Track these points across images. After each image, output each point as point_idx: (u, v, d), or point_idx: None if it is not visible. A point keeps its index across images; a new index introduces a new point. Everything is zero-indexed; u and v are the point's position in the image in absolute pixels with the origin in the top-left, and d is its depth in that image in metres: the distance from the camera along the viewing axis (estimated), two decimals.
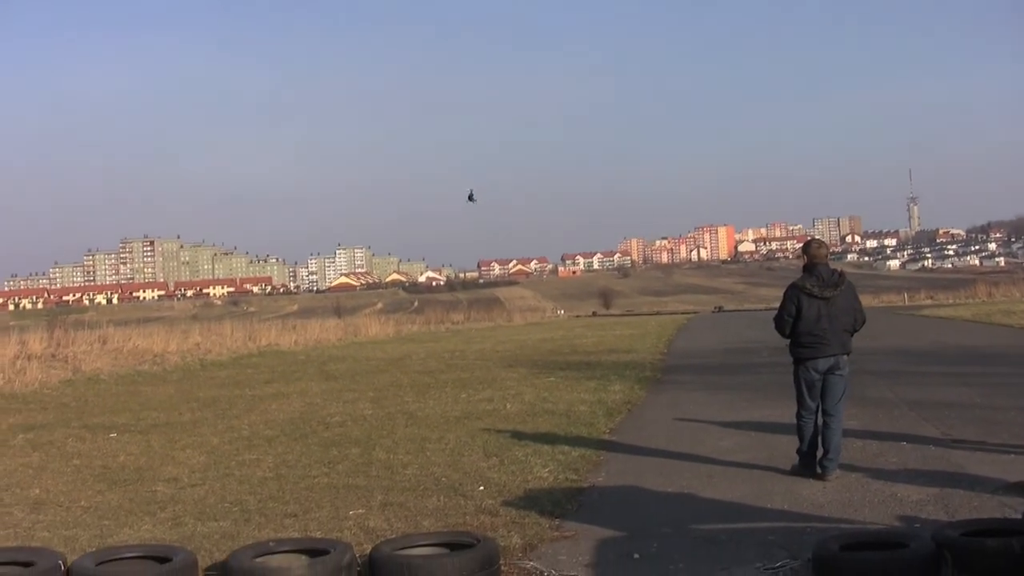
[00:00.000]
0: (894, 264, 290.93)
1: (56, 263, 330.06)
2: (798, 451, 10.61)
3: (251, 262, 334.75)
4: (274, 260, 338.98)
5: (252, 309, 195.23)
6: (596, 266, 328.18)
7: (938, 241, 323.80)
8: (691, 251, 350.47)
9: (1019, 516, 7.74)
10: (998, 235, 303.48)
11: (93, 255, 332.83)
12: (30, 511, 10.18)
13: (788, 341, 10.65)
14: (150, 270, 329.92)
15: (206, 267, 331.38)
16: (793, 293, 10.41)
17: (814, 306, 10.24)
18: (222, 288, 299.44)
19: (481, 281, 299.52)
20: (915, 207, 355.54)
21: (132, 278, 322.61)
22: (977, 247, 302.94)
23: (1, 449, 14.57)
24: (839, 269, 10.75)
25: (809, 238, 11.31)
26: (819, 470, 10.26)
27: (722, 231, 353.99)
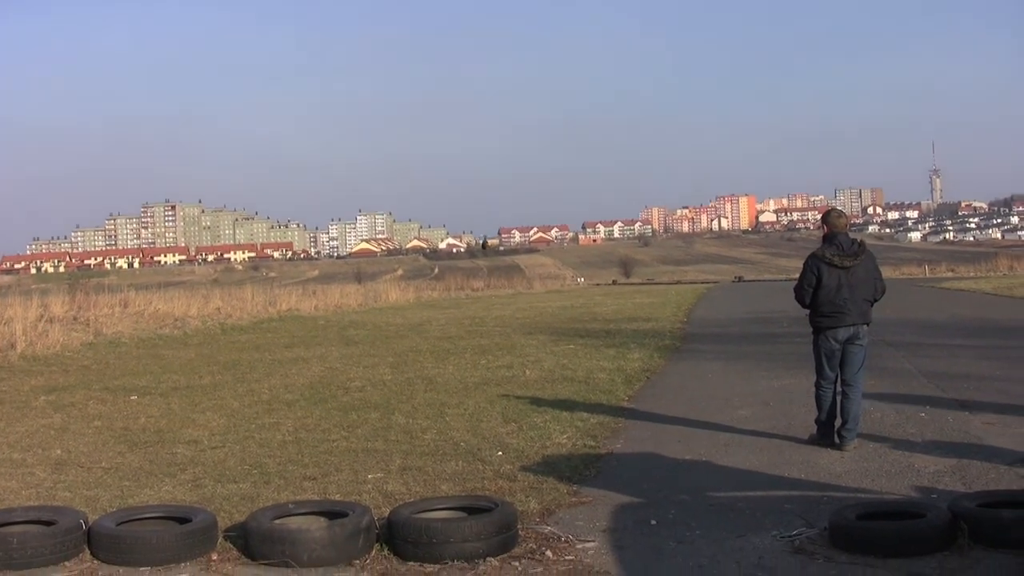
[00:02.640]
0: (915, 236, 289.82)
1: (78, 227, 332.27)
2: (816, 421, 10.61)
3: (272, 227, 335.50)
4: (295, 225, 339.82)
5: (273, 274, 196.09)
6: (617, 234, 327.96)
7: (960, 214, 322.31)
8: (712, 220, 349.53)
9: None
10: (1021, 209, 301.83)
11: (115, 219, 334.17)
12: (52, 471, 10.26)
13: (808, 311, 10.63)
14: (171, 235, 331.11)
15: (227, 232, 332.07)
16: (813, 263, 10.37)
17: (834, 276, 10.20)
18: (243, 253, 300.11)
19: (501, 248, 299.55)
20: (938, 179, 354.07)
21: (153, 242, 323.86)
22: (999, 220, 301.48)
23: (23, 410, 14.67)
24: (859, 239, 10.70)
25: (829, 208, 11.25)
26: (837, 440, 10.25)
27: (743, 201, 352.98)
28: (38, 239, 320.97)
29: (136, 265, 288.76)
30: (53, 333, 24.29)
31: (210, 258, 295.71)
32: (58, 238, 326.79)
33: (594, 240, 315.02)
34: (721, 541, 7.11)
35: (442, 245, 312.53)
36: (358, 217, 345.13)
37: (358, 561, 6.88)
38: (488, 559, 6.77)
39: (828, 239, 10.43)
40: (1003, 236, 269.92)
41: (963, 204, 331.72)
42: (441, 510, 7.38)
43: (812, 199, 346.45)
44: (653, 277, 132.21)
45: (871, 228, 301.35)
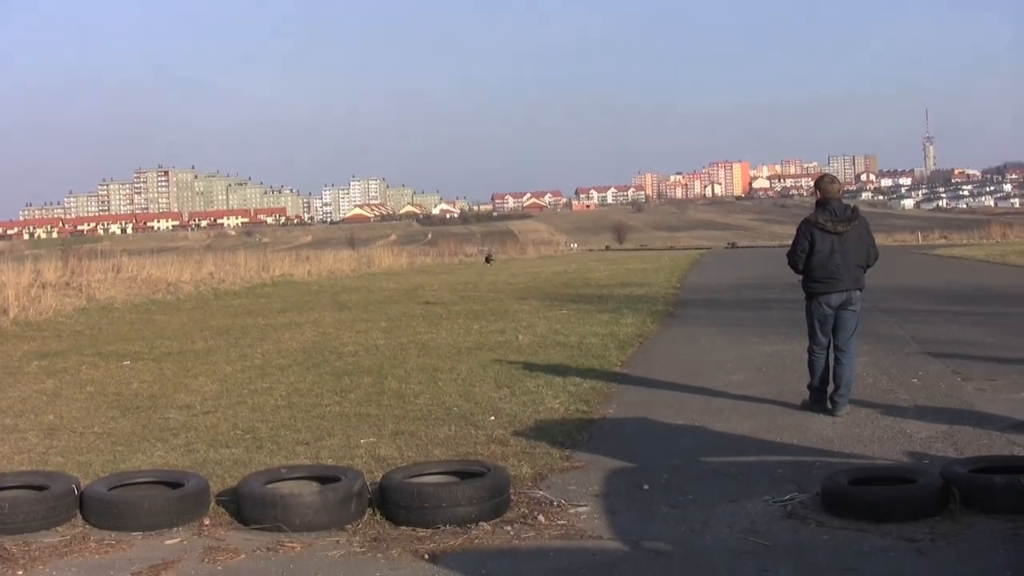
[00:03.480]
0: (908, 204, 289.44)
1: (71, 193, 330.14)
2: (809, 386, 10.62)
3: (265, 192, 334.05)
4: (288, 191, 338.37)
5: (266, 240, 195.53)
6: (610, 200, 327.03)
7: (953, 181, 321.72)
8: (705, 187, 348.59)
9: None
10: (1014, 176, 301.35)
11: (108, 185, 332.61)
12: (44, 436, 10.25)
13: (801, 277, 10.62)
14: (164, 200, 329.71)
15: (220, 197, 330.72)
16: (806, 228, 10.35)
17: (827, 241, 10.18)
18: (236, 218, 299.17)
19: (495, 214, 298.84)
20: (931, 147, 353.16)
21: (147, 208, 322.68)
22: (992, 188, 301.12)
23: (16, 376, 14.66)
24: (853, 204, 10.69)
25: (822, 174, 11.24)
26: (830, 405, 10.27)
27: (737, 167, 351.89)
28: (31, 205, 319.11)
29: (129, 231, 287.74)
30: (46, 299, 24.27)
31: (203, 223, 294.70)
32: (51, 204, 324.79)
33: (587, 206, 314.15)
34: (713, 506, 7.13)
35: (435, 211, 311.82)
36: (351, 183, 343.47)
37: (350, 526, 6.89)
38: (480, 523, 6.78)
39: (821, 205, 10.40)
40: (996, 204, 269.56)
41: (956, 171, 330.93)
42: (433, 474, 7.38)
43: (806, 166, 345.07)
44: (646, 243, 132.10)
45: (864, 195, 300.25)
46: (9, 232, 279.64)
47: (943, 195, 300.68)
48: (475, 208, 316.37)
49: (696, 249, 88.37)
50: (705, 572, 5.92)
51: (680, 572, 5.93)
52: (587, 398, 11.52)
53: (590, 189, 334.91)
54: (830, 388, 10.40)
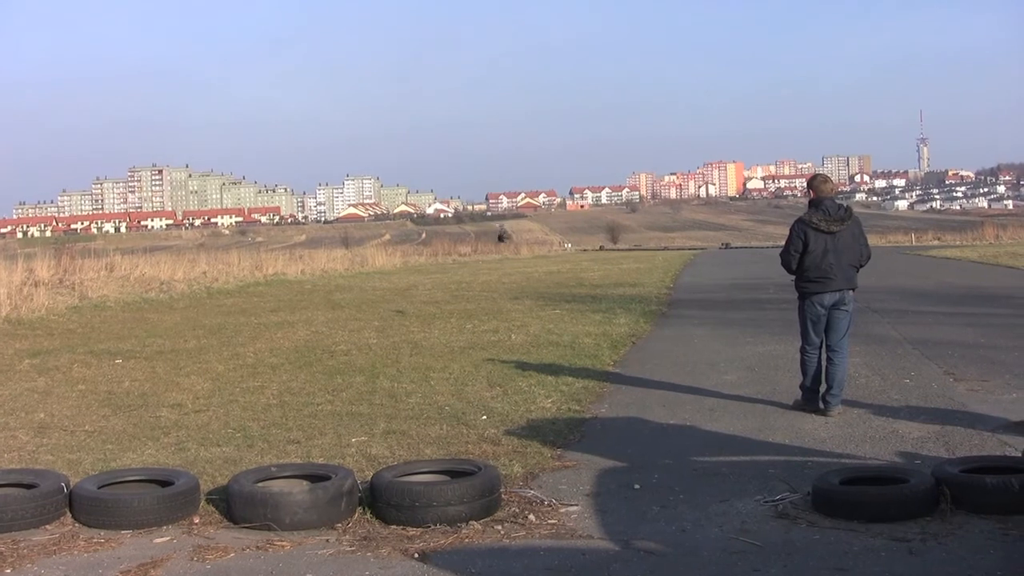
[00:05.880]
0: (902, 205, 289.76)
1: (64, 191, 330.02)
2: (801, 386, 10.62)
3: (259, 191, 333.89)
4: (282, 190, 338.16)
5: (260, 239, 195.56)
6: (604, 200, 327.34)
7: (947, 182, 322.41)
8: (700, 187, 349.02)
9: (1019, 454, 7.76)
10: (1007, 178, 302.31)
11: (101, 183, 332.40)
12: (35, 434, 10.23)
13: (794, 276, 10.61)
14: (158, 199, 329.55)
15: (214, 196, 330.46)
16: (800, 228, 10.35)
17: (820, 240, 10.18)
18: (230, 217, 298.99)
19: (489, 214, 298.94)
20: (925, 148, 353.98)
21: (140, 207, 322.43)
22: (986, 189, 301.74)
23: (7, 374, 14.61)
24: (846, 204, 10.69)
25: (815, 174, 11.23)
26: (822, 405, 10.28)
27: (731, 167, 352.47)
28: (24, 203, 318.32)
29: (123, 229, 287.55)
30: (38, 297, 24.21)
31: (197, 222, 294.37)
32: (44, 202, 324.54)
33: (581, 206, 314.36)
34: (704, 506, 7.12)
35: (430, 210, 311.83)
36: (345, 182, 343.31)
37: (340, 524, 6.88)
38: (471, 522, 6.77)
39: (814, 204, 10.40)
40: (989, 205, 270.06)
41: (950, 173, 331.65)
42: (424, 473, 7.37)
43: (800, 166, 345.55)
44: (640, 243, 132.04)
45: (858, 196, 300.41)
46: (2, 230, 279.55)
47: (937, 196, 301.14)
48: (469, 207, 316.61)
49: (690, 249, 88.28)
50: (696, 572, 5.91)
51: (671, 572, 5.92)
52: (579, 397, 11.52)
53: (584, 189, 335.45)
54: (822, 388, 10.40)
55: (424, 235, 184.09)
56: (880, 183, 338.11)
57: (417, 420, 10.41)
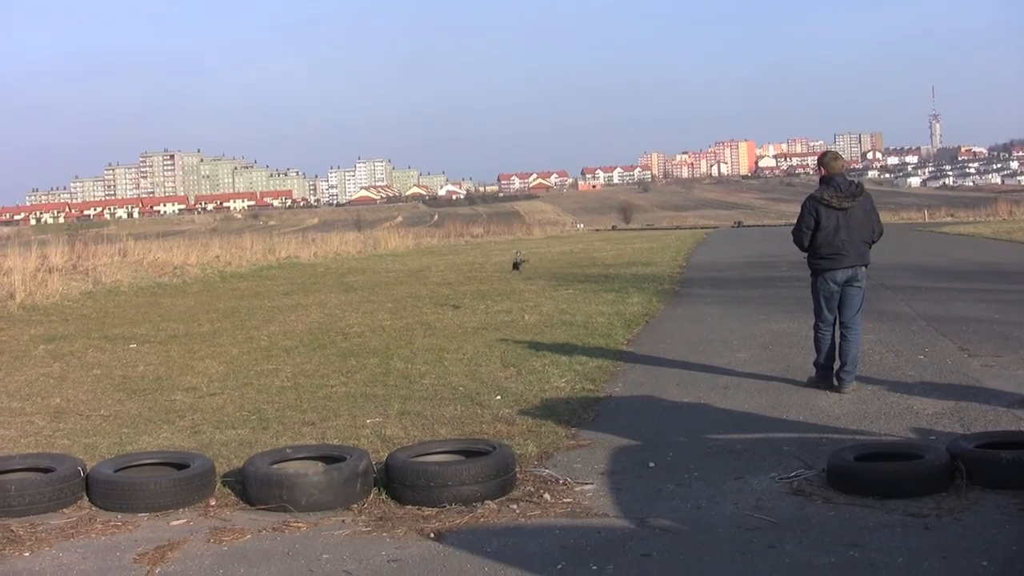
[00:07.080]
0: (915, 181, 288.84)
1: (77, 177, 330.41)
2: (815, 363, 10.60)
3: (271, 175, 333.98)
4: (294, 173, 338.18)
5: (272, 222, 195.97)
6: (616, 180, 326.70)
7: (960, 159, 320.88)
8: (711, 166, 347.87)
9: None
10: (1020, 154, 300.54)
11: (114, 169, 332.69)
12: (51, 419, 10.27)
13: (806, 254, 10.58)
14: (171, 184, 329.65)
15: (226, 181, 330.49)
16: (811, 205, 10.31)
17: (832, 217, 10.14)
18: (242, 201, 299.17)
19: (501, 195, 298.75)
20: (937, 124, 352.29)
21: (152, 192, 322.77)
22: (999, 165, 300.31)
23: (23, 359, 14.67)
24: (857, 180, 10.66)
25: (825, 151, 11.18)
26: (836, 382, 10.25)
27: (743, 146, 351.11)
28: (37, 190, 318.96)
29: (135, 215, 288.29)
30: (52, 283, 24.30)
31: (209, 207, 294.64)
32: (57, 189, 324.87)
33: (593, 186, 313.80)
34: (719, 483, 7.12)
35: (441, 192, 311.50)
36: (357, 164, 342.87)
37: (356, 505, 6.90)
38: (486, 502, 6.78)
39: (825, 181, 10.36)
40: (1003, 181, 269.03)
41: (963, 149, 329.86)
42: (439, 453, 7.38)
43: (811, 144, 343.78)
44: (652, 223, 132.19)
45: (871, 173, 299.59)
46: (15, 217, 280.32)
47: (949, 173, 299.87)
48: (481, 189, 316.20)
49: (702, 228, 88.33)
50: (711, 549, 5.91)
51: (686, 549, 5.92)
52: (593, 377, 11.51)
53: (596, 169, 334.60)
54: (836, 365, 10.37)
55: (436, 217, 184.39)
56: (892, 160, 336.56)
57: (431, 401, 10.42)
